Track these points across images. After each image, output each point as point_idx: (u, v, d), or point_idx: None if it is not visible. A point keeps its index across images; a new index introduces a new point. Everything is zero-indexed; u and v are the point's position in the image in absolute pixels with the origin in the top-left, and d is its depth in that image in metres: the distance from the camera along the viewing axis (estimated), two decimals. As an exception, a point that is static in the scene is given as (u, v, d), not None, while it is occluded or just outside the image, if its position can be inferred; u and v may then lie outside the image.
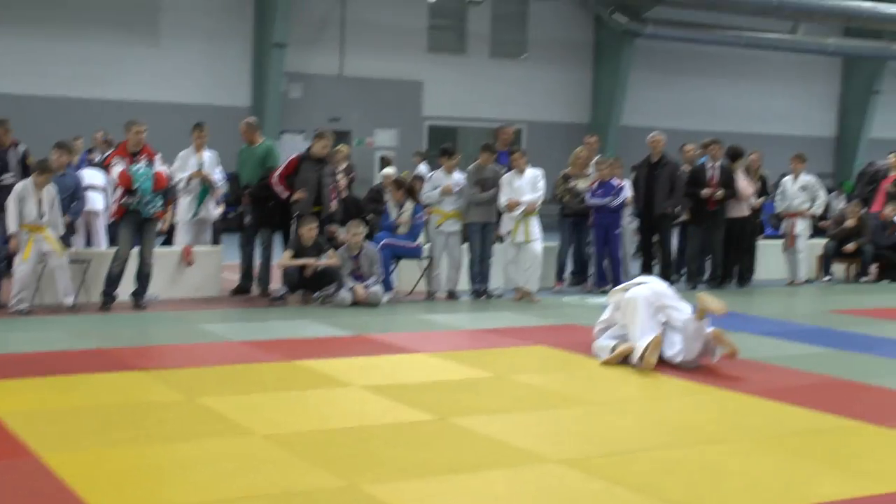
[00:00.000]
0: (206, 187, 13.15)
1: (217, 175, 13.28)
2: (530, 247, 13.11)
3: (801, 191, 15.67)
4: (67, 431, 6.36)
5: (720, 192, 14.43)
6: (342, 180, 13.95)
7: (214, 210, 13.67)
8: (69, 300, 11.38)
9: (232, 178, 13.86)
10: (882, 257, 16.32)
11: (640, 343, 8.72)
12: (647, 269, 14.17)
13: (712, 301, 8.71)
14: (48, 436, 6.22)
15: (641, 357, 8.63)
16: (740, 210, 14.85)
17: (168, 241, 13.58)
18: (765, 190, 15.83)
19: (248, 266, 13.19)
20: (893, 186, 18.05)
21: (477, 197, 13.09)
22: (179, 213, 13.19)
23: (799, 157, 15.96)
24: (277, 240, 13.04)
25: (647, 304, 8.91)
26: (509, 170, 13.35)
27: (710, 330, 8.81)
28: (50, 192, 11.31)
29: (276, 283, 12.75)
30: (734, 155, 14.96)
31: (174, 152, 13.34)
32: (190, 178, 12.95)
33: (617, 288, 9.70)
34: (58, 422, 6.58)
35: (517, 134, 24.21)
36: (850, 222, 16.12)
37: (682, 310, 8.98)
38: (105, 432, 6.35)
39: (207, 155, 13.21)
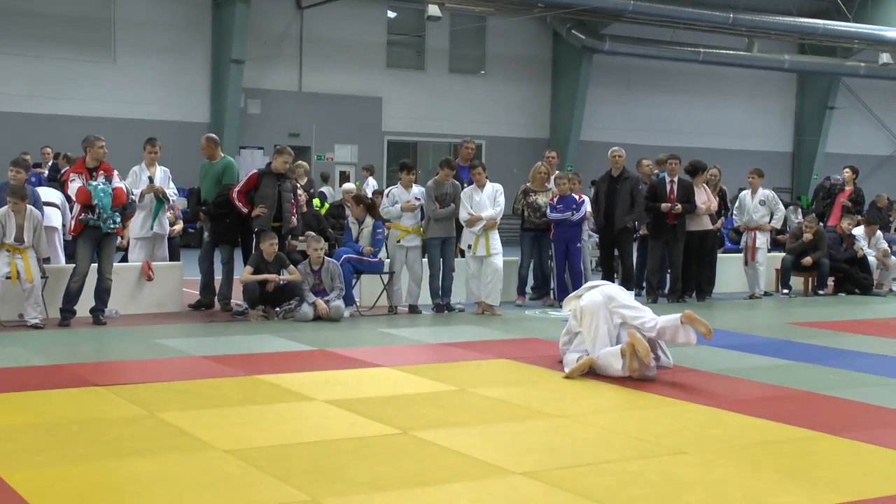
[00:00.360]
0: (160, 202, 13.08)
1: (170, 190, 13.26)
2: (491, 261, 13.15)
3: (760, 205, 15.78)
4: (26, 448, 6.28)
5: (678, 207, 14.53)
6: (302, 196, 13.95)
7: (172, 226, 13.61)
8: (35, 321, 11.29)
9: (192, 194, 13.83)
10: (839, 270, 16.50)
11: (601, 353, 8.81)
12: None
13: (639, 342, 8.73)
14: (7, 453, 6.15)
15: (625, 365, 8.72)
16: (703, 223, 14.97)
17: (124, 258, 13.50)
18: (724, 204, 15.95)
19: (208, 281, 13.13)
20: (849, 200, 18.32)
21: (437, 213, 13.11)
22: (133, 229, 13.12)
23: (756, 171, 16.08)
24: (237, 255, 13.00)
25: (601, 308, 8.96)
26: (470, 185, 13.40)
27: (678, 315, 8.88)
28: (33, 216, 11.44)
29: (237, 299, 12.70)
30: (693, 169, 15.07)
31: (131, 168, 13.29)
32: (143, 194, 12.88)
33: (571, 295, 9.71)
34: (16, 439, 6.50)
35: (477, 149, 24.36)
36: (807, 236, 16.28)
37: (636, 308, 9.05)
38: (65, 448, 6.29)
39: (161, 170, 13.16)
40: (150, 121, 24.58)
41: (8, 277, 11.27)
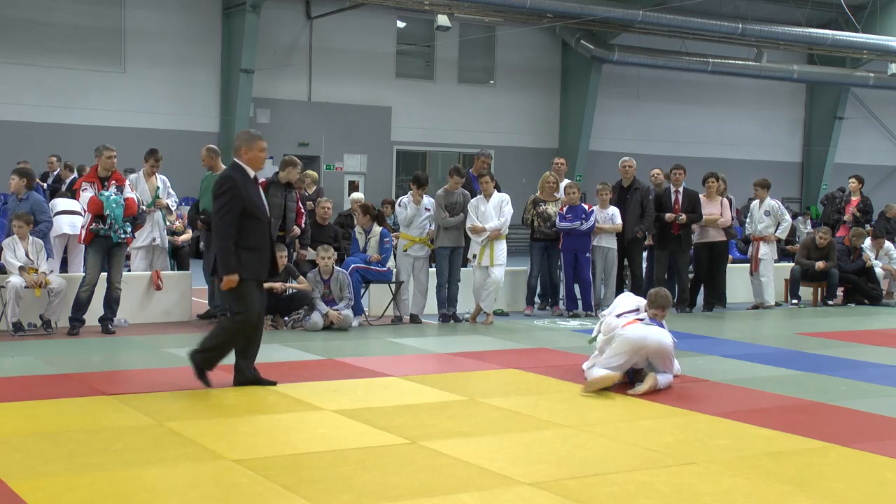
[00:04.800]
0: (161, 213, 13.16)
1: (171, 199, 13.32)
2: (492, 271, 13.16)
3: (765, 215, 15.73)
4: (35, 457, 6.28)
5: (682, 217, 14.53)
6: (326, 203, 13.97)
7: (180, 234, 13.61)
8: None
9: (195, 205, 13.91)
10: (847, 281, 16.46)
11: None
12: (617, 293, 14.19)
13: (645, 387, 8.71)
14: (15, 462, 6.15)
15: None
16: (710, 235, 14.98)
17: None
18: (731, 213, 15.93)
19: (213, 290, 13.13)
20: (857, 210, 18.31)
21: (446, 221, 13.12)
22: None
23: (759, 183, 15.95)
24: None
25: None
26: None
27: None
28: (36, 243, 11.75)
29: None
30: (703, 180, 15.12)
31: (129, 175, 13.30)
32: (149, 211, 12.91)
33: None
34: (25, 448, 6.50)
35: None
36: (819, 244, 16.26)
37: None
38: (73, 458, 6.29)
39: (160, 179, 13.19)
40: (160, 130, 24.65)
41: (27, 286, 11.47)
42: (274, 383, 8.65)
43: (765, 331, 13.85)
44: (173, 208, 13.47)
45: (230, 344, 8.60)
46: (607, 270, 14.29)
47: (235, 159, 8.56)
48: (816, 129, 35.93)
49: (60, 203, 13.25)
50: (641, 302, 9.28)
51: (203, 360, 8.52)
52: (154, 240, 12.98)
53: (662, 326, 8.96)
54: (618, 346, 8.80)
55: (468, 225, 13.18)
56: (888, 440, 7.28)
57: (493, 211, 13.21)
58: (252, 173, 8.55)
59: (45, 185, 16.77)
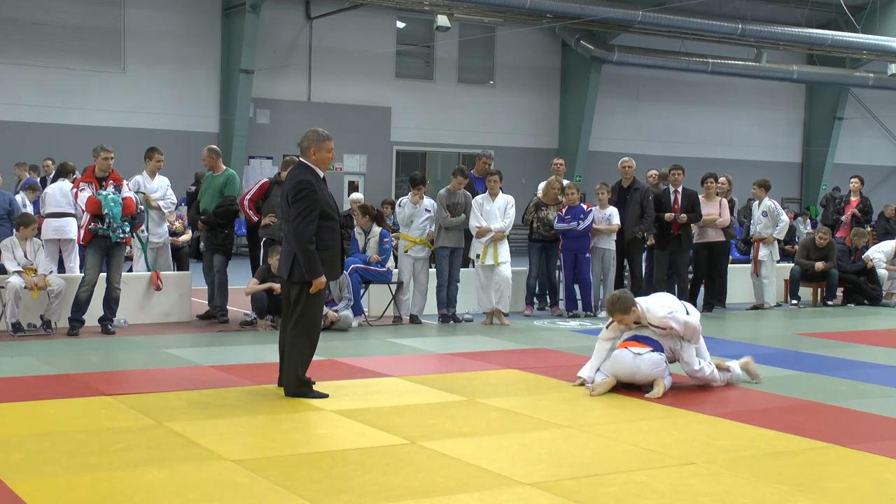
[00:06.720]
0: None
1: (167, 201, 13.30)
2: (499, 270, 13.15)
3: (762, 216, 15.73)
4: (35, 458, 6.29)
5: (682, 217, 14.53)
6: None
7: (180, 235, 13.59)
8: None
9: (191, 201, 13.89)
10: (847, 281, 16.46)
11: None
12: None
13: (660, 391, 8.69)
14: (15, 462, 6.16)
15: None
16: (710, 235, 14.99)
17: (131, 268, 13.54)
18: (732, 214, 15.93)
19: (213, 291, 13.13)
20: (857, 210, 18.32)
21: (448, 221, 13.12)
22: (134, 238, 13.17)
23: (758, 183, 15.98)
24: (242, 266, 13.00)
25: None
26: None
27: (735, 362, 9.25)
28: (35, 243, 11.84)
29: (237, 308, 12.70)
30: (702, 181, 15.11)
31: (133, 178, 13.29)
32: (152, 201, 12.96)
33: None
34: (25, 448, 6.50)
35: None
36: (819, 244, 16.26)
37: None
38: (73, 458, 6.29)
39: (162, 180, 13.19)
40: (159, 130, 24.63)
41: (26, 287, 11.50)
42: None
43: (765, 331, 13.85)
44: (166, 212, 13.43)
45: (307, 352, 8.38)
46: (605, 271, 14.28)
47: (302, 159, 8.41)
48: (816, 130, 35.92)
49: (52, 203, 13.23)
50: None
51: (302, 388, 8.30)
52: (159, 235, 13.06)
53: (661, 351, 8.89)
54: (611, 365, 8.86)
55: (472, 224, 13.16)
56: (887, 440, 7.28)
57: (498, 211, 13.21)
58: (321, 173, 8.47)
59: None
